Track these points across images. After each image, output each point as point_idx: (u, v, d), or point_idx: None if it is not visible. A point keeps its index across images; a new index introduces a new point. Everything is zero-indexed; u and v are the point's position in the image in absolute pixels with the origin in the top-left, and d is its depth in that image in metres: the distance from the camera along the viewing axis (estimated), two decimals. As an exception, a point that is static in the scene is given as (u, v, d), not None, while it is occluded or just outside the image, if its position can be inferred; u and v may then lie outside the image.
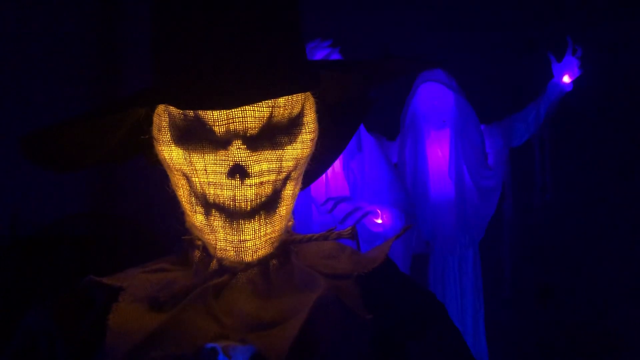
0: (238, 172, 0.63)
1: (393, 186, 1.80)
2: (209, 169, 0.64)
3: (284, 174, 0.67)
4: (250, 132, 0.63)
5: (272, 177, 0.66)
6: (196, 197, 0.67)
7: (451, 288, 2.27)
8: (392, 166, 1.89)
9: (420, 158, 2.24)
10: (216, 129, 0.62)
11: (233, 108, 0.61)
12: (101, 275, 0.68)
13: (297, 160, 0.68)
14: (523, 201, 2.37)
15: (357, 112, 0.81)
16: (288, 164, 0.67)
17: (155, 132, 0.67)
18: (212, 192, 0.65)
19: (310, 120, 0.69)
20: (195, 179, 0.66)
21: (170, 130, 0.65)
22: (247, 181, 0.63)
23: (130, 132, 0.72)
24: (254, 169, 0.63)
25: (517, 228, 2.35)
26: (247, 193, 0.64)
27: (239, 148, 0.62)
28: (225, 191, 0.64)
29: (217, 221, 0.66)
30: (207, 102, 0.60)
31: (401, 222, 1.74)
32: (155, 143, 0.68)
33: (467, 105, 2.23)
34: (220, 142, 0.63)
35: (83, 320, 0.65)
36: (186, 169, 0.66)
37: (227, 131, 0.62)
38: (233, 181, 0.63)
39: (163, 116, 0.66)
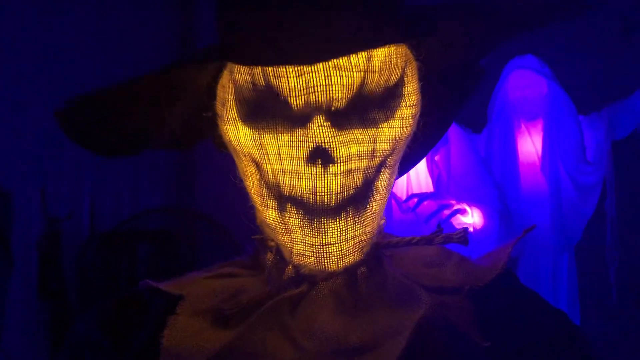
0: (320, 156, 0.50)
1: (483, 182, 1.63)
2: (284, 152, 0.52)
3: (377, 160, 0.54)
4: (336, 104, 0.50)
5: (363, 163, 0.52)
6: (268, 188, 0.55)
7: (543, 296, 2.04)
8: (480, 160, 1.71)
9: (510, 152, 2.05)
10: (292, 101, 0.49)
11: (316, 62, 0.49)
12: (173, 276, 0.59)
13: (395, 141, 0.54)
14: (627, 199, 2.12)
15: (464, 84, 0.65)
16: (383, 147, 0.53)
17: (219, 107, 0.55)
18: (287, 182, 0.53)
19: (411, 90, 0.54)
20: (266, 166, 0.53)
21: (236, 105, 0.53)
22: (332, 168, 0.50)
23: (190, 108, 0.60)
24: (341, 152, 0.50)
25: (621, 229, 2.09)
26: (331, 184, 0.51)
27: (321, 126, 0.49)
28: (304, 181, 0.52)
29: (294, 219, 0.53)
30: (281, 56, 0.48)
31: (493, 221, 1.57)
32: (219, 121, 0.56)
33: (562, 94, 2.01)
34: (298, 119, 0.51)
35: (136, 332, 0.55)
36: (256, 153, 0.53)
37: (307, 104, 0.49)
38: (313, 168, 0.51)
39: (228, 87, 0.54)
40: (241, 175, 0.58)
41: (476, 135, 2.16)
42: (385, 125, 0.53)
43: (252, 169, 0.56)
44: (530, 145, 2.13)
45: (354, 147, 0.51)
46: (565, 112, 2.05)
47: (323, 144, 0.50)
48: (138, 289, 0.58)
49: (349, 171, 0.52)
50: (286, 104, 0.50)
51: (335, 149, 0.50)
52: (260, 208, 0.57)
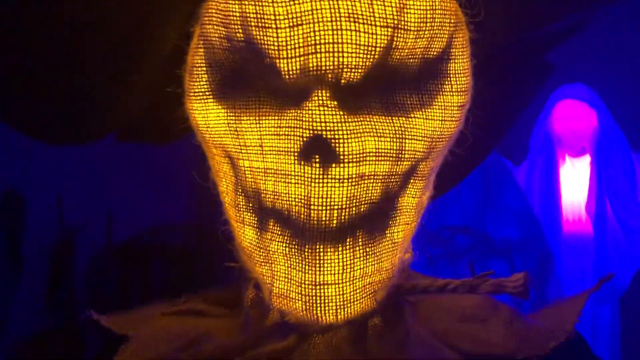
0: (318, 150, 0.36)
1: (524, 218, 1.45)
2: (267, 143, 0.37)
3: (405, 165, 0.38)
4: (348, 76, 0.36)
5: (384, 167, 0.39)
6: (245, 196, 0.42)
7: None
8: (522, 195, 1.53)
9: (553, 189, 1.86)
10: (283, 65, 0.35)
11: None
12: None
13: (433, 140, 0.39)
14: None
15: (527, 79, 0.49)
16: (415, 146, 0.38)
17: (186, 78, 0.40)
18: (270, 187, 0.39)
19: (461, 69, 0.39)
20: (243, 163, 0.39)
21: (207, 74, 0.38)
22: (335, 170, 0.37)
23: (152, 80, 0.45)
24: (350, 147, 0.36)
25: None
26: (333, 194, 0.37)
27: (323, 105, 0.35)
28: (294, 187, 0.38)
29: (277, 243, 0.40)
30: None
31: (534, 264, 1.40)
32: (185, 99, 0.41)
33: (614, 127, 1.82)
34: (290, 94, 0.37)
35: None
36: (230, 143, 0.39)
37: (304, 70, 0.35)
38: (308, 169, 0.37)
39: (196, 48, 0.39)
40: (214, 176, 0.43)
41: (516, 167, 1.98)
42: (419, 114, 0.38)
43: (226, 168, 0.40)
44: (575, 181, 1.94)
45: (371, 142, 0.36)
46: (617, 148, 1.87)
47: (324, 133, 0.35)
48: (79, 319, 0.45)
49: (362, 177, 0.37)
50: (273, 69, 0.35)
51: (342, 141, 0.35)
52: (234, 224, 0.42)
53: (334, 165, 0.36)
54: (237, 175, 0.41)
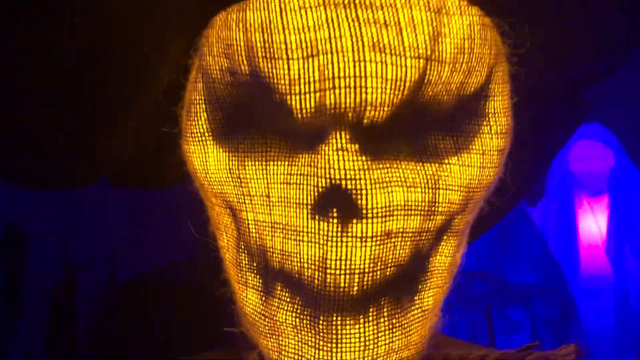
0: (336, 203, 0.31)
1: (544, 262, 1.39)
2: (275, 194, 0.34)
3: (439, 220, 0.33)
4: (372, 115, 0.31)
5: (414, 222, 0.34)
6: (248, 254, 0.38)
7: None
8: (541, 237, 1.47)
9: (570, 230, 1.79)
10: (295, 102, 0.29)
11: None
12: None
13: (470, 191, 0.33)
14: None
15: (566, 118, 0.45)
16: (450, 197, 0.33)
17: (183, 117, 0.35)
18: (278, 246, 0.35)
19: (500, 108, 0.34)
20: (246, 216, 0.36)
21: (206, 112, 0.33)
22: (357, 227, 0.32)
23: (147, 117, 0.40)
24: (375, 199, 0.32)
25: None
26: (354, 255, 0.33)
27: (342, 150, 0.29)
28: (306, 247, 0.33)
29: (285, 312, 0.36)
30: None
31: (555, 310, 1.33)
32: (182, 141, 0.35)
33: (632, 168, 1.76)
34: (303, 137, 0.32)
35: None
36: (231, 192, 0.33)
37: (319, 109, 0.30)
38: (324, 224, 0.32)
39: (196, 83, 0.34)
40: (214, 229, 0.38)
41: (531, 208, 1.91)
42: (454, 160, 0.33)
43: (227, 220, 0.35)
44: (593, 224, 1.87)
45: (399, 193, 0.32)
46: (636, 189, 1.81)
47: (343, 182, 0.29)
48: None
49: (388, 235, 0.33)
50: (284, 107, 0.30)
51: (364, 191, 0.31)
52: (235, 285, 0.37)
53: (355, 220, 0.30)
54: (239, 229, 0.35)
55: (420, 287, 0.36)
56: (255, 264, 0.36)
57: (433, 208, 0.34)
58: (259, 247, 0.35)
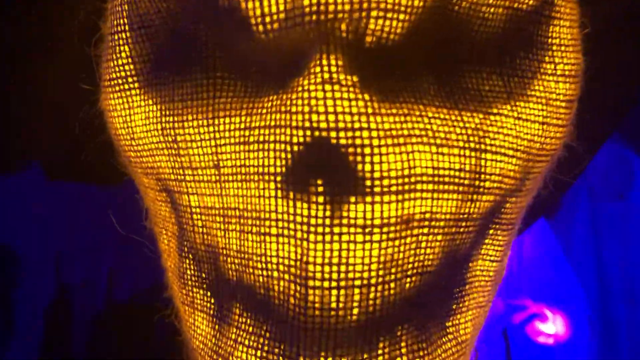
0: (324, 171, 0.20)
1: (567, 279, 1.27)
2: (228, 161, 0.23)
3: (485, 201, 0.24)
4: (380, 28, 0.19)
5: (448, 204, 0.23)
6: (194, 259, 0.27)
7: None
8: (560, 250, 1.34)
9: (590, 240, 1.66)
10: (255, 6, 0.19)
11: None
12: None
13: (530, 157, 0.25)
14: None
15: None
16: (502, 167, 0.24)
17: (103, 60, 0.24)
18: (233, 244, 0.24)
19: (568, 37, 0.22)
20: (188, 201, 0.25)
21: (130, 43, 0.24)
22: (356, 210, 0.21)
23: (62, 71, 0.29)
24: (388, 164, 0.21)
25: None
26: (353, 258, 0.22)
27: (329, 81, 0.19)
28: (277, 245, 0.22)
29: (247, 348, 0.25)
30: None
31: (582, 331, 1.21)
32: (100, 92, 0.27)
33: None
34: (269, 66, 0.21)
35: None
36: (165, 164, 0.25)
37: (293, 15, 0.19)
38: (304, 206, 0.21)
39: (116, 6, 0.22)
40: (152, 225, 0.32)
41: (549, 221, 1.79)
42: (507, 110, 0.24)
43: (164, 210, 0.28)
44: (612, 232, 1.74)
45: (426, 155, 0.21)
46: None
47: (333, 134, 0.19)
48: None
49: (408, 223, 0.22)
50: (240, 23, 0.17)
51: (369, 150, 0.20)
52: (180, 306, 0.30)
53: (353, 199, 0.21)
54: (180, 223, 0.23)
55: (455, 307, 0.24)
56: (204, 275, 0.24)
57: (477, 182, 0.22)
58: (208, 248, 0.23)
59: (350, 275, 0.22)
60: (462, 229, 0.25)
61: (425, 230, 0.23)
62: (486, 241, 0.28)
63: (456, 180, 0.23)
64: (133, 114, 0.26)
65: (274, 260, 0.23)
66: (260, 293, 0.24)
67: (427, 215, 0.23)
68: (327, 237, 0.22)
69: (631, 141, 1.72)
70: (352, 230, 0.22)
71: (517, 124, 0.25)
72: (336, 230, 0.22)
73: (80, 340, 2.24)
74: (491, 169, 0.24)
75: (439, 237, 0.24)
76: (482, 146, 0.24)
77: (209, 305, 0.27)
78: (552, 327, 1.20)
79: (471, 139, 0.23)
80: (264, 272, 0.23)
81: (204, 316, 0.28)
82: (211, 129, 0.24)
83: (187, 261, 0.28)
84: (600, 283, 1.54)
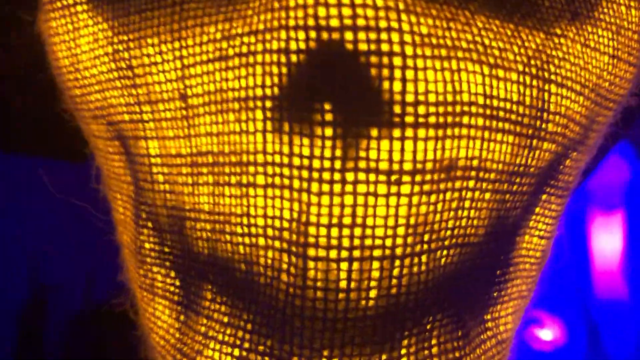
0: (331, 92, 0.14)
1: (564, 283, 1.24)
2: (198, 87, 0.16)
3: (545, 151, 0.19)
4: None
5: (502, 149, 0.17)
6: (155, 228, 0.20)
7: None
8: (558, 257, 1.28)
9: (583, 247, 1.64)
10: None
11: None
12: None
13: (599, 96, 0.19)
14: None
15: None
16: (567, 106, 0.18)
17: None
18: (204, 203, 0.17)
19: None
20: (147, 148, 0.19)
21: None
22: (378, 150, 0.14)
23: None
24: (424, 85, 0.14)
25: None
26: (371, 218, 0.16)
27: None
28: (265, 201, 0.16)
29: (221, 344, 0.18)
30: None
31: (579, 336, 1.19)
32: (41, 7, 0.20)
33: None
34: None
35: None
36: (119, 100, 0.19)
37: None
38: (305, 142, 0.15)
39: None
40: (105, 191, 0.25)
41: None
42: (572, 34, 0.18)
43: (116, 164, 0.21)
44: (606, 242, 1.71)
45: (475, 77, 0.15)
46: (652, 204, 1.65)
47: (349, 36, 0.13)
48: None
49: (450, 172, 0.16)
50: None
51: (399, 63, 0.13)
52: (137, 292, 0.23)
53: (374, 132, 0.15)
54: (136, 181, 0.16)
55: (496, 295, 0.18)
56: (166, 249, 0.18)
57: (538, 123, 0.17)
58: (171, 212, 0.17)
59: (368, 242, 0.16)
60: (515, 187, 0.18)
61: (471, 184, 0.17)
62: (537, 210, 0.21)
63: (513, 116, 0.17)
64: (79, 36, 0.20)
65: (260, 222, 0.16)
66: (240, 270, 0.17)
67: (475, 163, 0.17)
68: (336, 188, 0.15)
69: (632, 147, 1.68)
70: (371, 177, 0.15)
71: (585, 53, 0.19)
72: (349, 177, 0.15)
73: (55, 343, 2.15)
74: (555, 107, 0.18)
75: (487, 196, 0.18)
76: (546, 74, 0.17)
77: (172, 289, 0.21)
78: (549, 333, 1.15)
79: (532, 62, 0.17)
80: (246, 240, 0.17)
81: (166, 304, 0.21)
82: (177, 44, 0.17)
83: (146, 231, 0.21)
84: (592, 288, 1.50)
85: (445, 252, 0.17)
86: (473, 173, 0.17)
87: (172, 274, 0.21)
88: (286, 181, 0.16)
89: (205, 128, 0.17)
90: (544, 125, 0.18)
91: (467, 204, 0.17)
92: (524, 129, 0.18)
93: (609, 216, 1.70)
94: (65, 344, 2.10)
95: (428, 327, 0.18)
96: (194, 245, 0.19)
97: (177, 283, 0.20)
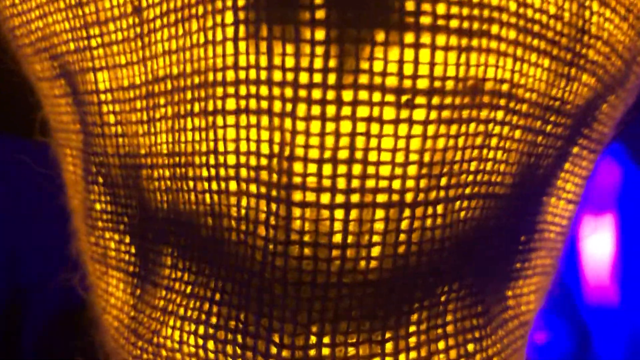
0: None
1: (554, 286, 1.19)
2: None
3: (584, 85, 0.15)
4: None
5: (535, 74, 0.13)
6: (105, 182, 0.18)
7: None
8: None
9: (573, 251, 1.61)
10: None
11: None
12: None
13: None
14: None
15: None
16: (609, 30, 0.14)
17: None
18: (162, 147, 0.14)
19: None
20: (93, 80, 0.16)
21: None
22: (381, 59, 0.10)
23: None
24: None
25: None
26: (372, 154, 0.11)
27: None
28: (235, 132, 0.13)
29: (184, 321, 0.15)
30: None
31: (570, 340, 1.18)
32: None
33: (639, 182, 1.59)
34: None
35: None
36: (61, 29, 0.16)
37: None
38: (287, 42, 0.10)
39: None
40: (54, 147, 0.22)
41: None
42: None
43: (63, 108, 0.18)
44: (596, 245, 1.69)
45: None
46: (643, 207, 1.63)
47: None
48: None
49: (474, 93, 0.12)
50: None
51: None
52: (87, 263, 0.22)
53: (379, 37, 0.11)
54: (84, 125, 0.12)
55: (519, 267, 0.15)
56: (119, 208, 0.14)
57: (578, 47, 0.14)
58: (125, 161, 0.14)
59: (370, 184, 0.12)
60: (549, 127, 0.15)
61: (500, 116, 0.13)
62: (566, 167, 0.18)
63: (550, 34, 0.13)
64: None
65: (231, 160, 0.13)
66: (206, 225, 0.13)
67: (505, 88, 0.13)
68: (330, 111, 0.12)
69: (624, 149, 1.66)
70: (376, 97, 0.12)
71: None
72: (346, 97, 0.12)
73: (31, 347, 2.09)
74: (597, 30, 0.15)
75: (518, 134, 0.14)
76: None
77: (127, 257, 0.17)
78: (538, 336, 1.13)
79: None
80: (213, 185, 0.13)
81: (120, 276, 0.17)
82: None
83: (96, 188, 0.17)
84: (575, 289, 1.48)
85: (465, 203, 0.14)
86: (502, 101, 0.13)
87: (127, 239, 0.17)
88: (264, 104, 0.12)
89: (162, 46, 0.14)
90: (584, 51, 0.15)
91: (493, 141, 0.14)
92: (561, 53, 0.14)
93: (600, 218, 1.69)
94: (43, 347, 2.04)
95: (442, 298, 0.14)
96: (151, 199, 0.15)
97: (133, 250, 0.17)
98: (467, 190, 0.14)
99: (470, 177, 0.14)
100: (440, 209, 0.13)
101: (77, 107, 0.18)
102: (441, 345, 0.14)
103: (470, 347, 0.15)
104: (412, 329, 0.14)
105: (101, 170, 0.18)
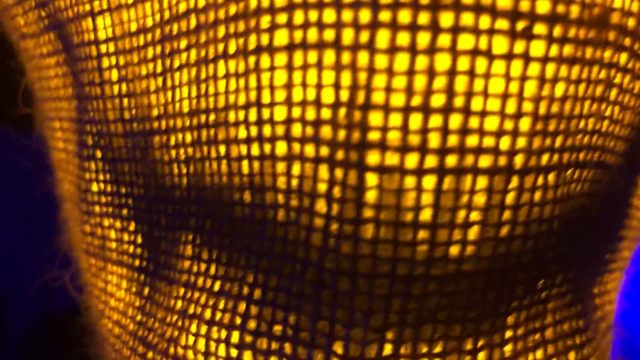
0: None
1: None
2: None
3: None
4: None
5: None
6: (103, 158, 0.12)
7: None
8: None
9: None
10: None
11: None
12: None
13: None
14: None
15: None
16: None
17: None
18: (184, 104, 0.11)
19: None
20: (92, 27, 0.11)
21: None
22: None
23: None
24: None
25: None
26: (476, 91, 0.07)
27: None
28: (278, 75, 0.08)
29: (204, 327, 0.09)
30: None
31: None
32: None
33: None
34: None
35: None
36: None
37: None
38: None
39: None
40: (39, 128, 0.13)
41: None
42: None
43: (52, 71, 0.14)
44: None
45: None
46: None
47: None
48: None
49: (601, 26, 0.09)
50: None
51: None
52: (81, 257, 0.16)
53: None
54: (80, 87, 0.08)
55: (608, 259, 0.11)
56: (123, 188, 0.10)
57: None
58: (130, 127, 0.10)
59: (471, 141, 0.09)
60: None
61: (623, 60, 0.10)
62: None
63: None
64: None
65: (280, 113, 0.09)
66: (242, 202, 0.10)
67: (631, 24, 0.10)
68: (422, 40, 0.08)
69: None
70: (483, 23, 0.08)
71: None
72: (445, 21, 0.09)
73: (14, 352, 2.03)
74: None
75: (638, 88, 0.11)
76: None
77: (131, 249, 0.13)
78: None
79: None
80: (254, 150, 0.10)
81: (122, 272, 0.14)
82: None
83: (93, 166, 0.14)
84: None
85: (577, 173, 0.10)
86: (627, 41, 0.10)
87: (132, 226, 0.13)
88: (329, 34, 0.09)
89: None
90: None
91: (613, 94, 0.11)
92: None
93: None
94: (25, 354, 1.98)
95: (543, 295, 0.11)
96: (165, 174, 0.12)
97: (139, 240, 0.13)
98: (581, 157, 0.11)
99: (586, 139, 0.11)
100: (551, 178, 0.10)
101: (69, 66, 0.15)
102: (539, 354, 0.11)
103: (572, 356, 0.12)
104: (509, 334, 0.11)
105: (100, 141, 0.14)
